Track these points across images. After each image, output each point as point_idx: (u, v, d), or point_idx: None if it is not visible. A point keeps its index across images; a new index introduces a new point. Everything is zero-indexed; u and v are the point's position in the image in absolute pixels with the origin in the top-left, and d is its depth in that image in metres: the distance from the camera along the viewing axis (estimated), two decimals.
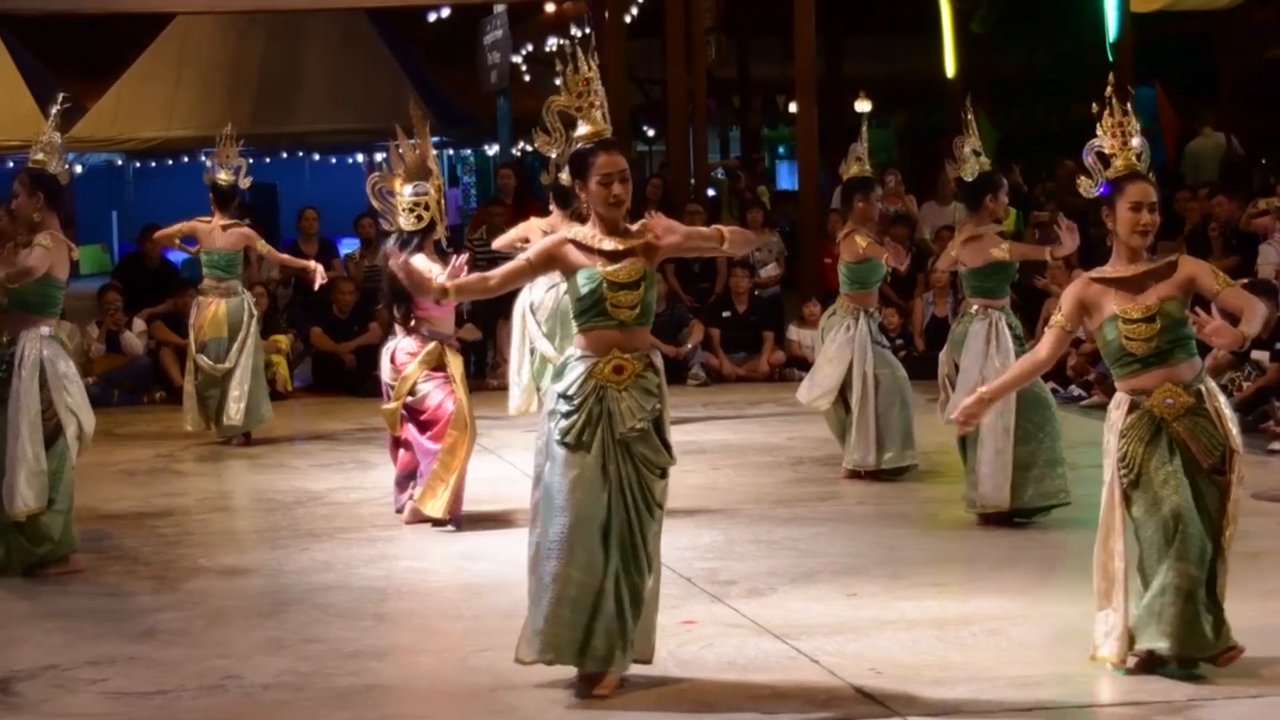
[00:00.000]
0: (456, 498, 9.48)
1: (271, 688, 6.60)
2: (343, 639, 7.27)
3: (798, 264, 17.77)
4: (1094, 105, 6.73)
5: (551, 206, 12.94)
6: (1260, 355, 12.62)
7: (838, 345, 10.85)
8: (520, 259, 6.65)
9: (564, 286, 13.80)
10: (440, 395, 9.59)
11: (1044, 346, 6.68)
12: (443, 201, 9.82)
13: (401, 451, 9.87)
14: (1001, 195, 9.94)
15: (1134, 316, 6.40)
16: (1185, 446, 6.37)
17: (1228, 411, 6.48)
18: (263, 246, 13.43)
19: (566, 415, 6.32)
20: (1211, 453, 6.39)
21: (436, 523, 9.53)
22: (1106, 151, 6.67)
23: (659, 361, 6.48)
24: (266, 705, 6.40)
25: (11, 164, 21.78)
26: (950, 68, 23.94)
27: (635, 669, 6.50)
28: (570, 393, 6.34)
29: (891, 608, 7.63)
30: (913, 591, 7.93)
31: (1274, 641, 6.86)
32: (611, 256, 6.41)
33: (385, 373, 9.80)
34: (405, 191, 9.55)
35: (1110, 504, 6.47)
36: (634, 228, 6.48)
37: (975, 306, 9.67)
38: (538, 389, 12.18)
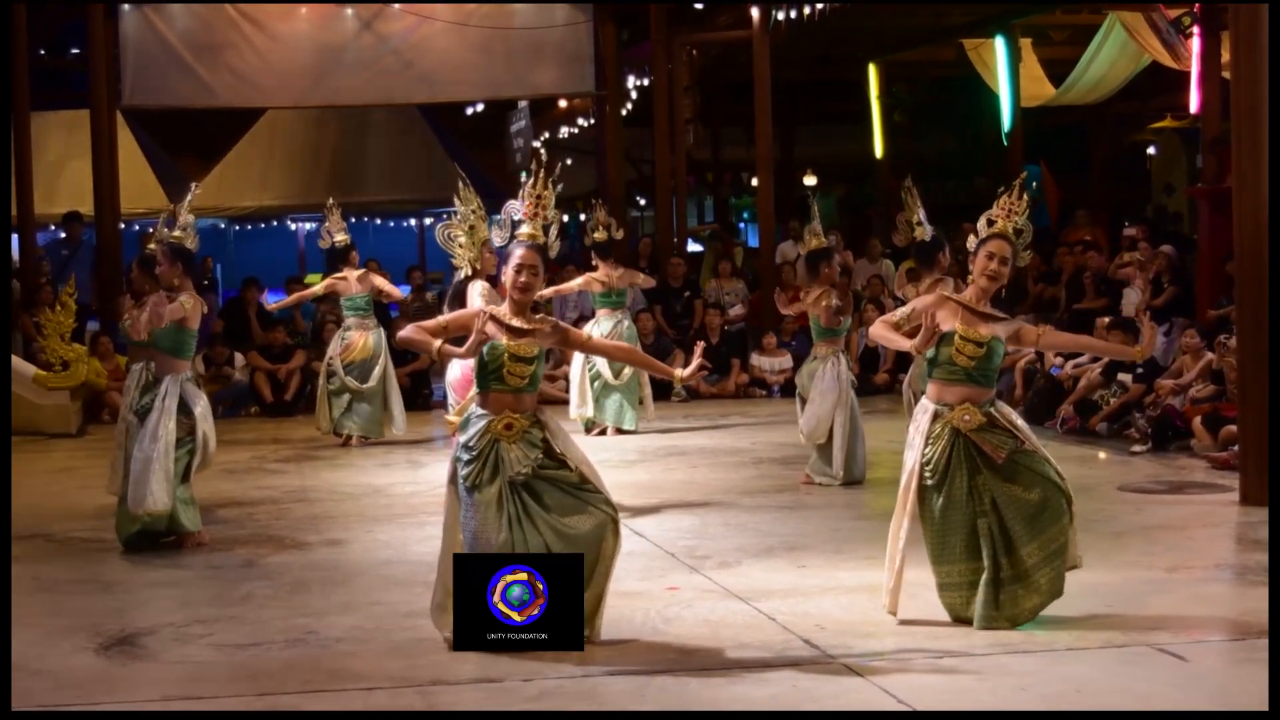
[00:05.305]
0: None
1: (343, 640, 6.60)
2: (399, 601, 7.27)
3: (758, 305, 17.80)
4: (1000, 187, 6.75)
5: (595, 260, 13.21)
6: (1125, 377, 12.64)
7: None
8: (440, 320, 6.47)
9: (626, 321, 14.17)
10: None
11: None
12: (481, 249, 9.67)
13: None
14: (944, 254, 10.02)
15: (970, 338, 6.49)
16: (980, 451, 6.43)
17: (1016, 418, 6.55)
18: (379, 282, 13.41)
19: (468, 464, 6.23)
20: (1000, 448, 6.44)
21: None
22: (993, 217, 6.74)
23: (545, 418, 6.34)
24: (339, 655, 6.39)
25: (137, 227, 21.74)
26: (878, 150, 23.99)
27: (628, 631, 6.49)
28: (471, 444, 6.25)
29: (833, 576, 7.63)
30: (850, 563, 7.92)
31: (1135, 602, 6.87)
32: (516, 333, 6.33)
33: (451, 382, 9.58)
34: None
35: (906, 491, 6.53)
36: (538, 315, 6.41)
37: None
38: (595, 401, 12.86)
